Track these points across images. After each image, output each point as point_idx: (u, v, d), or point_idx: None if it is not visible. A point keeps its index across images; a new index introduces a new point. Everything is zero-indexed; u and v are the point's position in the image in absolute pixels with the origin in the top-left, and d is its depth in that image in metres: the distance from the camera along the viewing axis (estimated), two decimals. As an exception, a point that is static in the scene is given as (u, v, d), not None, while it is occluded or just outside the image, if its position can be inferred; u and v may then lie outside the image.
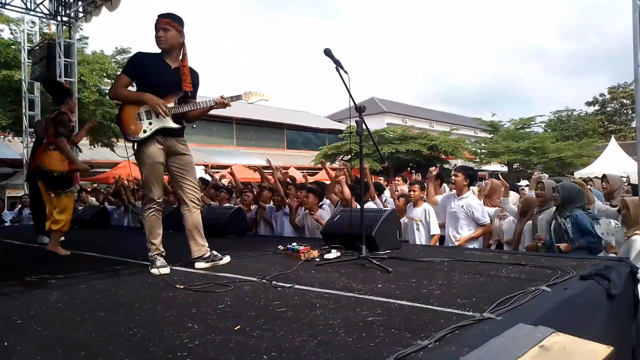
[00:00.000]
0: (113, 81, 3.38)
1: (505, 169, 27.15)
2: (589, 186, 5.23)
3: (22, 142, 12.26)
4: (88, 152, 16.95)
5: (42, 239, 5.19)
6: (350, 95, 3.38)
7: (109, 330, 1.97)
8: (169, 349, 1.72)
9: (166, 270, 3.29)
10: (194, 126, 28.00)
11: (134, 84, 3.43)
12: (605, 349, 1.65)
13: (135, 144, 3.37)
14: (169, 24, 3.31)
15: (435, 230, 4.93)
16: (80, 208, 8.75)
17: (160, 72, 3.34)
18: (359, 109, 3.38)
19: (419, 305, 2.23)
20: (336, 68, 3.36)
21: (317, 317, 2.08)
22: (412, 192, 5.14)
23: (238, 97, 3.53)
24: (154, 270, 3.26)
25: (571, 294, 2.37)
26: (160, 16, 3.32)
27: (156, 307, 2.35)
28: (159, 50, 3.39)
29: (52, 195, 4.51)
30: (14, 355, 1.69)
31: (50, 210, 4.57)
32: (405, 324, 1.93)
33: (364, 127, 3.41)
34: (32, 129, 11.27)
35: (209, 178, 8.66)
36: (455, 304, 2.22)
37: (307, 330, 1.90)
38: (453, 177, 4.89)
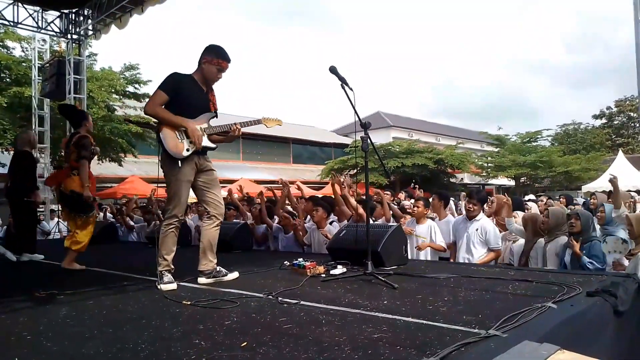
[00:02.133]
0: (150, 97, 3.49)
1: (512, 182, 27.07)
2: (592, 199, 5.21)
3: (31, 157, 12.37)
4: (95, 167, 17.07)
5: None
6: (356, 112, 3.42)
7: (117, 346, 1.99)
8: (177, 365, 1.74)
9: (173, 286, 3.32)
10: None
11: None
12: (610, 367, 1.65)
13: (179, 161, 3.42)
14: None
15: (442, 244, 4.91)
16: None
17: (196, 94, 3.50)
18: (364, 126, 3.41)
19: (424, 322, 2.23)
20: (341, 85, 3.41)
21: (323, 334, 2.09)
22: (415, 208, 5.13)
23: (257, 122, 3.72)
24: (161, 286, 3.28)
25: (577, 310, 2.37)
26: (229, 61, 3.55)
27: (163, 323, 2.37)
28: (190, 72, 3.55)
29: (76, 218, 4.64)
30: (24, 372, 1.72)
31: (73, 229, 4.71)
32: (411, 341, 1.94)
33: (369, 143, 3.44)
34: (41, 145, 11.42)
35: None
36: (461, 320, 2.22)
37: (313, 347, 1.91)
38: (470, 206, 4.79)
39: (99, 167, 17.84)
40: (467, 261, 4.65)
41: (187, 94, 3.44)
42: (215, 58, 3.49)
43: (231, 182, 21.06)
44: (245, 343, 1.98)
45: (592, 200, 5.41)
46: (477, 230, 4.64)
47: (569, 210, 4.85)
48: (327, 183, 22.96)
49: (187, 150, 3.40)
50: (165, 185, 3.55)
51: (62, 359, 1.85)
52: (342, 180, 5.58)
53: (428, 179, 22.91)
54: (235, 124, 3.61)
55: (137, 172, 21.21)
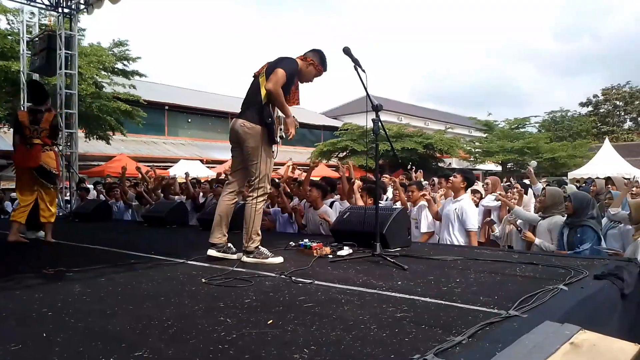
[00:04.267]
0: (275, 75, 3.37)
1: (499, 168, 27.36)
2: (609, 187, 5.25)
3: (18, 133, 12.13)
4: (83, 144, 16.80)
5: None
6: (368, 94, 3.42)
7: (142, 322, 2.00)
8: (208, 341, 1.75)
9: (281, 259, 3.46)
10: (189, 120, 27.94)
11: None
12: (633, 347, 1.70)
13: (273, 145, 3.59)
14: None
15: (425, 228, 5.03)
16: (82, 202, 8.73)
17: (291, 85, 3.59)
18: (376, 108, 3.41)
19: (443, 302, 2.28)
20: (354, 67, 3.40)
21: (345, 313, 2.12)
22: (410, 193, 5.20)
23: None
24: (270, 260, 3.42)
25: (589, 293, 2.44)
26: (326, 70, 3.71)
27: (183, 301, 2.37)
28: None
29: (45, 190, 4.91)
30: (57, 346, 1.71)
31: (42, 204, 4.92)
32: (435, 321, 1.98)
33: (380, 126, 3.44)
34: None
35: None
36: (479, 301, 2.27)
37: (339, 325, 1.94)
38: (451, 178, 4.87)
39: (86, 145, 17.56)
40: (447, 242, 4.72)
41: (290, 84, 3.55)
42: (320, 64, 3.65)
43: (220, 162, 20.95)
44: (271, 321, 2.00)
45: (592, 188, 5.51)
46: (455, 209, 4.70)
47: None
48: (316, 165, 22.92)
49: (280, 137, 3.58)
50: (251, 161, 3.54)
51: (91, 335, 1.85)
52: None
53: (417, 163, 23.04)
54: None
55: (125, 151, 20.94)
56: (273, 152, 3.58)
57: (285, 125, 3.55)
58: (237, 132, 3.50)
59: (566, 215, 4.15)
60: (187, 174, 8.14)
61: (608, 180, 5.60)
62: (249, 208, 3.56)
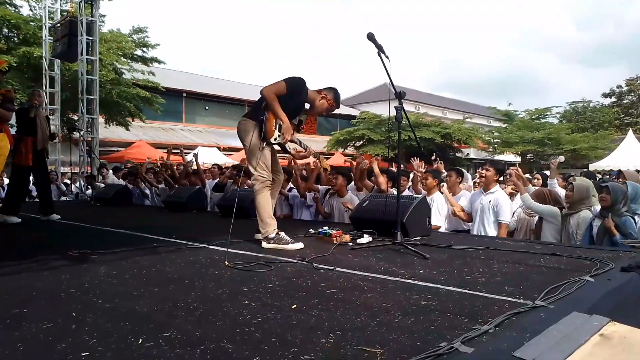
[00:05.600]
0: (273, 83, 3.59)
1: (518, 159, 26.99)
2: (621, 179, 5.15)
3: (41, 118, 12.31)
4: (102, 130, 17.01)
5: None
6: (391, 81, 3.38)
7: (168, 304, 2.02)
8: (235, 324, 1.77)
9: (300, 245, 3.48)
10: (207, 107, 28.08)
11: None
12: (664, 340, 1.67)
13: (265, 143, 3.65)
14: None
15: (436, 222, 4.92)
16: (101, 185, 8.86)
17: (299, 109, 3.81)
18: (399, 95, 3.38)
19: (467, 291, 2.26)
20: (378, 53, 3.36)
21: (369, 300, 2.12)
22: (424, 181, 5.17)
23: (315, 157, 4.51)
24: (290, 246, 3.44)
25: (616, 285, 2.39)
26: (338, 108, 3.98)
27: (207, 284, 2.40)
28: (308, 85, 3.79)
29: None
30: (87, 326, 1.75)
31: None
32: (460, 309, 1.96)
33: (402, 114, 3.41)
34: (52, 106, 11.36)
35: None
36: (504, 291, 2.24)
37: (363, 311, 1.94)
38: (484, 172, 4.84)
39: (105, 131, 17.76)
40: (481, 232, 4.71)
41: (295, 103, 3.69)
42: (333, 100, 3.83)
43: (237, 150, 21.05)
44: (295, 305, 2.01)
45: (620, 180, 5.41)
46: (490, 202, 4.70)
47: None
48: (333, 154, 22.91)
49: (275, 139, 3.66)
50: (248, 154, 3.69)
51: (118, 316, 1.87)
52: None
53: (435, 152, 22.83)
54: (309, 148, 4.10)
55: (143, 137, 21.18)
56: (263, 147, 3.62)
57: (282, 130, 3.64)
58: (238, 130, 3.72)
59: (600, 207, 4.03)
60: (190, 161, 8.20)
61: (620, 173, 5.45)
62: (255, 197, 3.64)
